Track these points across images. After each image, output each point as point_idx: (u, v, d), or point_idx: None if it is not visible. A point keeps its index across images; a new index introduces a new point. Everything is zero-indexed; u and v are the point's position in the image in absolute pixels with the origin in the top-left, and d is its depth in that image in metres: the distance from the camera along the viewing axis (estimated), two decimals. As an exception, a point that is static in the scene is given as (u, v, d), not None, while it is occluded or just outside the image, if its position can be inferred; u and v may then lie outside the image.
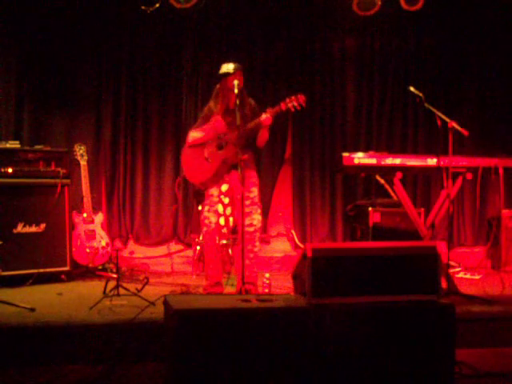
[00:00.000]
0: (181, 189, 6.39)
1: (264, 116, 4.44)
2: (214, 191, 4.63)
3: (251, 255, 4.56)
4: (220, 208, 4.58)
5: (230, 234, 5.59)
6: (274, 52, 6.61)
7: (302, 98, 4.43)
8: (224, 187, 4.61)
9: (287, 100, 4.43)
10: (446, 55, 6.74)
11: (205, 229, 4.64)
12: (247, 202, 4.51)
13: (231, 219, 4.47)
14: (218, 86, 4.67)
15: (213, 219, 4.60)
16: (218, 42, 6.52)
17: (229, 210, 4.59)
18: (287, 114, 6.55)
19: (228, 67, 4.54)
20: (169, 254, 6.35)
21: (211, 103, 4.71)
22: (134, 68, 6.49)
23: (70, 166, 5.66)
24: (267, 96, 6.38)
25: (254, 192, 4.62)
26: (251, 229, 4.54)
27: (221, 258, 4.74)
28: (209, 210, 4.62)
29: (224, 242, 5.50)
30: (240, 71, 4.54)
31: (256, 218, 4.59)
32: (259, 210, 4.62)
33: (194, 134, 4.69)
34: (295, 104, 4.41)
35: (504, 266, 6.03)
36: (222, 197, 4.59)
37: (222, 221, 4.60)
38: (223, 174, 4.61)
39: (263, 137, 4.59)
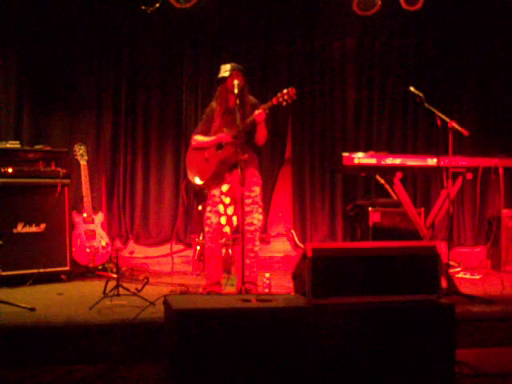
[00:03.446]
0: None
1: (257, 112, 4.46)
2: (215, 192, 4.64)
3: (251, 254, 4.56)
4: (221, 208, 4.59)
5: (232, 234, 5.58)
6: (274, 52, 6.61)
7: (292, 91, 4.42)
8: (224, 187, 4.62)
9: (279, 94, 4.45)
10: (446, 55, 6.74)
11: (207, 229, 4.64)
12: (248, 201, 4.51)
13: (234, 218, 4.46)
14: (219, 87, 4.68)
15: (214, 220, 4.61)
16: (217, 41, 6.52)
17: (230, 210, 4.58)
18: (288, 115, 6.64)
19: (225, 69, 4.58)
20: (169, 254, 6.35)
21: (213, 103, 4.74)
22: (134, 68, 6.49)
23: (69, 166, 5.65)
24: (267, 96, 6.35)
25: (256, 191, 4.61)
26: (251, 228, 4.54)
27: (221, 258, 4.74)
28: (211, 211, 4.62)
29: (222, 241, 5.48)
30: (237, 71, 4.56)
31: (256, 218, 4.58)
32: (260, 210, 4.62)
33: (199, 139, 4.71)
34: (286, 98, 4.42)
35: (504, 266, 6.02)
36: (222, 197, 4.59)
37: (223, 220, 4.60)
38: (224, 173, 4.62)
39: (261, 133, 4.58)
